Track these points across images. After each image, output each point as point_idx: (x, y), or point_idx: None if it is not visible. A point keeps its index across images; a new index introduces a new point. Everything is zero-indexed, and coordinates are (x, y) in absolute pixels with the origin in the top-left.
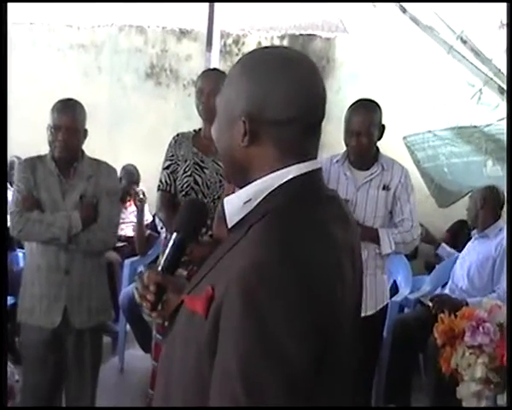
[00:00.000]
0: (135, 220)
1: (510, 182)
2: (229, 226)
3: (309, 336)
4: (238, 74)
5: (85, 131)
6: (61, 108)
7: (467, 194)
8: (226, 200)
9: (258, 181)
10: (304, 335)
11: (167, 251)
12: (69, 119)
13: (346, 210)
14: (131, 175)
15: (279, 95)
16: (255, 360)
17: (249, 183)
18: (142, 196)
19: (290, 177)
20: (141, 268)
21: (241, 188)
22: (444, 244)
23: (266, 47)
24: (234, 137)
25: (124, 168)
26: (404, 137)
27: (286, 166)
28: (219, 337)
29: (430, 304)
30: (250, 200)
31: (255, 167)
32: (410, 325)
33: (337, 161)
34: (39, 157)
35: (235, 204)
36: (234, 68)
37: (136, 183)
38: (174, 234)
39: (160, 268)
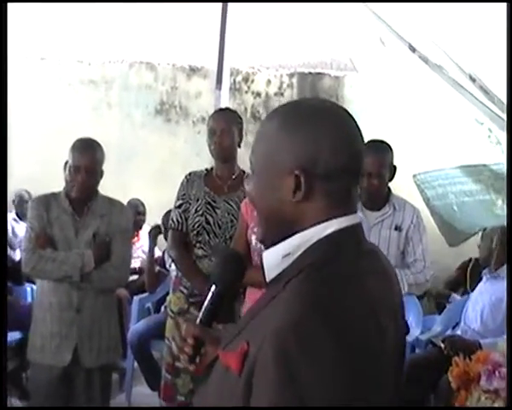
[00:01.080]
0: (143, 255)
1: (510, 183)
2: (268, 280)
3: (343, 400)
4: (277, 129)
5: (102, 171)
6: (81, 149)
7: (477, 233)
8: (265, 253)
9: (298, 235)
10: (338, 399)
11: (205, 304)
12: (89, 160)
13: (386, 263)
14: (136, 208)
15: (328, 147)
16: None
17: (289, 236)
18: (154, 230)
19: (330, 231)
20: (149, 305)
21: (278, 242)
22: (454, 295)
23: (298, 100)
24: (282, 193)
25: (129, 202)
26: (414, 175)
27: (327, 220)
28: (253, 394)
29: (442, 345)
30: (289, 254)
31: (299, 222)
32: (422, 366)
33: None
34: (53, 194)
35: (274, 258)
36: (269, 123)
37: (142, 215)
38: (213, 287)
39: (198, 321)
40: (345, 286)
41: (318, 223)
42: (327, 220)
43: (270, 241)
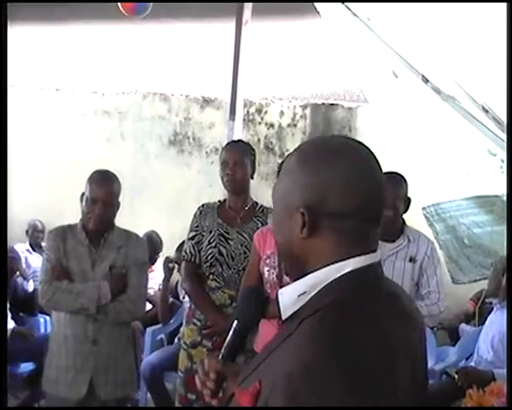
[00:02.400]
0: (155, 286)
1: (510, 184)
2: (283, 319)
3: None
4: (296, 164)
5: (118, 203)
6: (99, 181)
7: (479, 280)
8: (281, 292)
9: (314, 274)
10: None
11: (228, 339)
12: (107, 192)
13: (408, 305)
14: (154, 243)
15: (340, 186)
16: None
17: (306, 274)
18: (171, 264)
19: (346, 271)
20: (162, 336)
21: (296, 280)
22: (463, 325)
23: (323, 137)
24: (292, 228)
25: (146, 235)
26: (424, 208)
27: (343, 260)
28: None
29: (456, 376)
30: (305, 293)
31: (312, 259)
32: (436, 397)
33: None
34: (69, 226)
35: (290, 296)
36: (291, 157)
37: (158, 251)
38: (235, 322)
39: (220, 356)
40: (359, 329)
41: (333, 263)
42: (342, 260)
43: (291, 276)
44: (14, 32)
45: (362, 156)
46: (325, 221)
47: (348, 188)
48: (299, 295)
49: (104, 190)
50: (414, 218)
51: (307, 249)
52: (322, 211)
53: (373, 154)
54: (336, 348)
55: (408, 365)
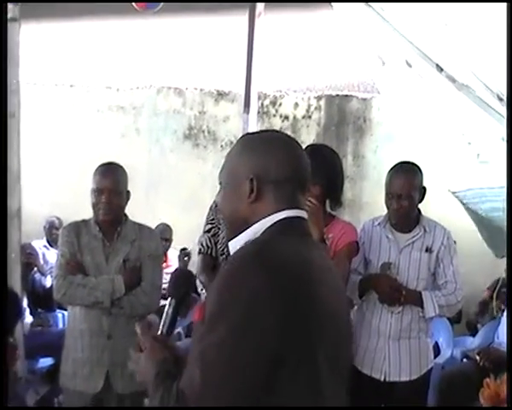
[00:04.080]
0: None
1: (510, 183)
2: None
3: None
4: (240, 150)
5: (128, 192)
6: (103, 172)
7: None
8: (230, 243)
9: (255, 225)
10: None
11: (164, 315)
12: (111, 181)
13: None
14: (164, 233)
15: (278, 160)
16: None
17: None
18: (186, 257)
19: (279, 218)
20: (179, 329)
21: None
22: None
23: (259, 131)
24: (242, 196)
25: (156, 227)
26: (454, 192)
27: (276, 212)
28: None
29: (477, 357)
30: (248, 241)
31: (256, 219)
32: (457, 380)
33: (379, 224)
34: (83, 221)
35: (236, 246)
36: (234, 148)
37: (169, 240)
38: (168, 299)
39: (159, 332)
40: (283, 247)
41: (269, 215)
42: (278, 212)
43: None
44: (29, 28)
45: (291, 141)
46: (267, 187)
47: (284, 161)
48: (245, 243)
49: (108, 178)
50: (434, 205)
51: (253, 211)
52: (266, 179)
53: (299, 143)
54: (256, 252)
55: (328, 280)
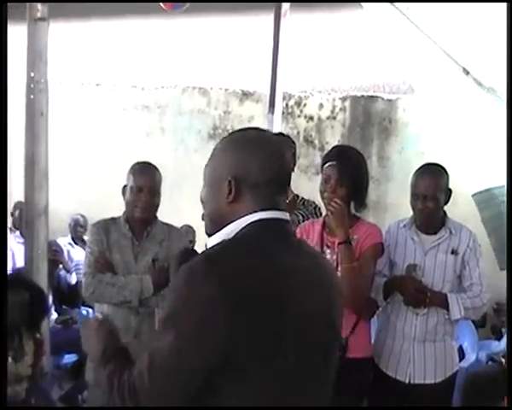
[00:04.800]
0: None
1: (510, 183)
2: None
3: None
4: (222, 149)
5: (160, 194)
6: (142, 170)
7: None
8: (208, 241)
9: (231, 224)
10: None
11: None
12: (151, 180)
13: (311, 251)
14: (187, 234)
15: (258, 163)
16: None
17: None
18: None
19: (254, 219)
20: None
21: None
22: None
23: (244, 128)
24: (221, 195)
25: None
26: (474, 194)
27: (253, 213)
28: None
29: (503, 360)
30: (224, 239)
31: (233, 218)
32: (483, 380)
33: (404, 226)
34: (112, 219)
35: (215, 243)
36: (218, 146)
37: (192, 241)
38: None
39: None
40: (248, 250)
41: (246, 215)
42: (252, 214)
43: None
44: (56, 28)
45: (273, 142)
46: (246, 189)
47: (264, 164)
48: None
49: (148, 177)
50: (461, 208)
51: (231, 211)
52: (245, 181)
53: (278, 139)
54: (211, 260)
55: (302, 284)
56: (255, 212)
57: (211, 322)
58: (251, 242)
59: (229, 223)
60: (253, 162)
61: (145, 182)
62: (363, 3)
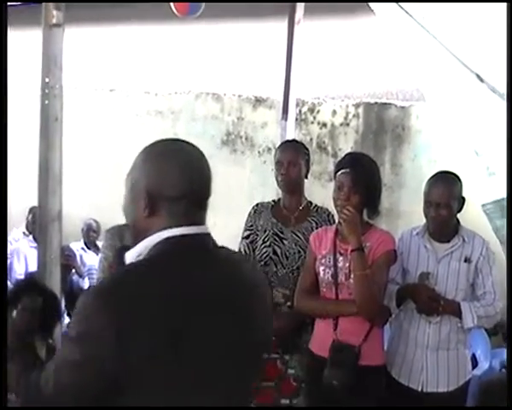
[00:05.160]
0: None
1: (510, 183)
2: None
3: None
4: (142, 161)
5: None
6: None
7: None
8: (126, 254)
9: (146, 239)
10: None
11: None
12: None
13: (249, 273)
14: None
15: (172, 178)
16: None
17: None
18: None
19: (165, 237)
20: None
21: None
22: None
23: (166, 139)
24: (138, 210)
25: None
26: (483, 205)
27: (165, 229)
28: None
29: None
30: (140, 254)
31: (150, 232)
32: (496, 388)
33: (417, 234)
34: (126, 225)
35: (131, 258)
36: (139, 156)
37: None
38: None
39: None
40: (143, 274)
41: (160, 230)
42: (166, 230)
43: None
44: (70, 33)
45: (191, 156)
46: (161, 204)
47: (179, 179)
48: (137, 256)
49: None
50: (474, 216)
51: (148, 225)
52: (160, 196)
53: (201, 153)
54: (103, 288)
55: (224, 314)
56: (170, 228)
57: (99, 351)
58: (159, 263)
59: (147, 235)
60: (166, 177)
61: None
62: (375, 10)
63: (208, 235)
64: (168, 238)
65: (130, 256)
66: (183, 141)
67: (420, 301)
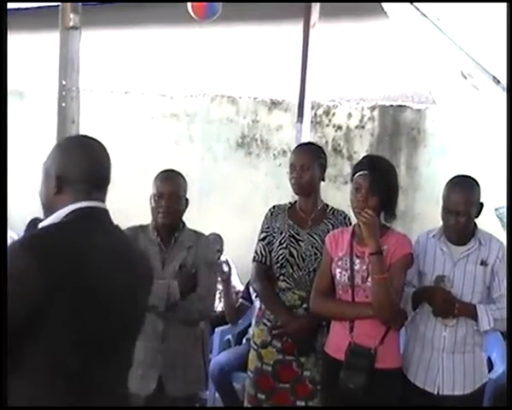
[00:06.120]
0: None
1: (510, 183)
2: None
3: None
4: (55, 149)
5: (187, 200)
6: (163, 177)
7: None
8: (40, 224)
9: (57, 212)
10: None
11: None
12: (171, 186)
13: (122, 235)
14: (214, 243)
15: (76, 164)
16: None
17: None
18: (226, 268)
19: (75, 207)
20: (229, 336)
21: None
22: None
23: (76, 135)
24: (50, 188)
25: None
26: (496, 209)
27: (75, 202)
28: None
29: None
30: (53, 223)
31: (59, 207)
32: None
33: (433, 236)
34: (141, 226)
35: (44, 225)
36: (53, 147)
37: (219, 250)
38: None
39: None
40: (57, 231)
41: (68, 205)
42: (72, 204)
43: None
44: (85, 36)
45: (93, 148)
46: (68, 185)
47: (82, 165)
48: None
49: (168, 184)
50: (489, 220)
51: (57, 201)
52: (66, 178)
53: (103, 147)
54: (30, 239)
55: (109, 275)
56: (75, 202)
57: (24, 286)
58: (69, 225)
59: (56, 211)
60: (72, 163)
61: (165, 188)
62: (388, 12)
63: (106, 210)
64: (75, 210)
65: (45, 224)
66: (90, 137)
67: (435, 304)
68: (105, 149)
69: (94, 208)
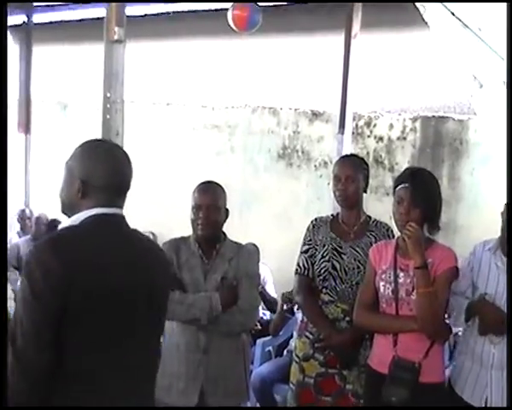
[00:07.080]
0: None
1: (510, 183)
2: None
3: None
4: (78, 155)
5: (227, 210)
6: (202, 189)
7: None
8: (62, 222)
9: (78, 214)
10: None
11: None
12: (210, 197)
13: (141, 238)
14: None
15: (100, 171)
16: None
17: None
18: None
19: (95, 212)
20: (270, 348)
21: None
22: None
23: (99, 139)
24: (73, 191)
25: None
26: None
27: (96, 207)
28: None
29: None
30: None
31: (81, 209)
32: None
33: (489, 249)
34: (183, 238)
35: (65, 225)
36: (78, 148)
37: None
38: None
39: None
40: (83, 233)
41: (89, 209)
42: (93, 208)
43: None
44: (129, 48)
45: (115, 156)
46: (91, 189)
47: (105, 172)
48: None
49: (206, 195)
50: None
51: (79, 204)
52: (90, 184)
53: (125, 154)
54: (49, 243)
55: (120, 263)
56: (96, 207)
57: (49, 284)
58: (88, 228)
59: (77, 212)
60: (96, 170)
61: (203, 200)
62: (429, 22)
63: (123, 216)
64: (95, 215)
65: (66, 223)
66: (113, 143)
67: (484, 322)
68: (127, 157)
69: (112, 215)
